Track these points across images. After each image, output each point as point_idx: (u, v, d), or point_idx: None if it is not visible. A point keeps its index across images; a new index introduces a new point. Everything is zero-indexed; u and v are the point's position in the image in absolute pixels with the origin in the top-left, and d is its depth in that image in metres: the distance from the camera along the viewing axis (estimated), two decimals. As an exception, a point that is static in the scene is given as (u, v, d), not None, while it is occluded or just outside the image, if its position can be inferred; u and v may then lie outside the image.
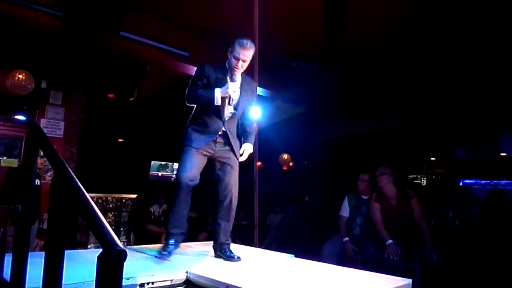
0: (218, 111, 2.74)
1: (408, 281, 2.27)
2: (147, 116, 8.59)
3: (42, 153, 1.94)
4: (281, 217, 8.23)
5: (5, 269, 1.99)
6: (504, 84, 5.85)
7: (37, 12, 3.99)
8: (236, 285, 2.05)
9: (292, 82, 6.45)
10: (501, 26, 4.73)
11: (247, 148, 2.91)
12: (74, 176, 1.54)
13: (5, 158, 5.87)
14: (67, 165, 1.62)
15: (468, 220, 5.73)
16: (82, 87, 6.53)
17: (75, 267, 2.14)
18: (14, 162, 5.86)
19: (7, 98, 5.79)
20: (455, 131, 7.38)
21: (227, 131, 2.80)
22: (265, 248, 3.90)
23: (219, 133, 2.76)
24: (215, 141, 2.76)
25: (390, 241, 3.93)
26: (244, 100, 2.83)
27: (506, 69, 5.47)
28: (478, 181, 10.81)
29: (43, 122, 6.10)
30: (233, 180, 2.84)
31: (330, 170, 8.35)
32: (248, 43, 2.71)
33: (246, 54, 2.71)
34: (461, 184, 10.07)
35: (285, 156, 9.74)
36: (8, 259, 1.92)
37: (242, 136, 2.97)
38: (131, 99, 7.11)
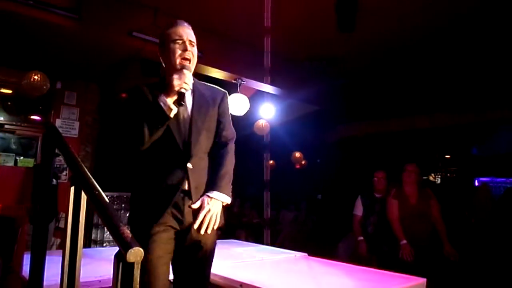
0: (170, 145, 1.73)
1: (423, 280, 2.25)
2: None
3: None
4: (293, 215, 8.22)
5: (24, 267, 2.03)
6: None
7: (52, 14, 4.05)
8: (250, 283, 2.06)
9: (305, 80, 6.43)
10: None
11: (204, 206, 1.71)
12: (90, 176, 1.56)
13: (22, 157, 5.97)
14: (83, 165, 1.65)
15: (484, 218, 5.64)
16: (96, 88, 6.62)
17: (92, 265, 2.18)
18: (30, 162, 5.95)
19: (23, 99, 5.90)
20: (469, 128, 7.28)
21: (191, 180, 1.74)
22: (278, 246, 3.90)
23: (182, 187, 1.72)
24: (178, 205, 1.72)
25: (405, 241, 3.88)
26: (202, 114, 1.82)
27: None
28: (493, 179, 10.65)
29: (58, 122, 6.20)
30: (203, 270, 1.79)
31: (342, 168, 8.31)
32: (181, 21, 1.87)
33: (188, 32, 1.84)
34: (476, 182, 9.93)
35: (298, 154, 9.71)
36: (26, 257, 1.96)
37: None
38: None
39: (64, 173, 5.96)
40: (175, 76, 1.70)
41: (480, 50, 5.30)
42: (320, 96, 6.90)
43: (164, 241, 1.67)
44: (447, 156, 10.85)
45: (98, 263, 2.21)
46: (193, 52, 1.82)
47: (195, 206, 1.71)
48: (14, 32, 4.67)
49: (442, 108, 6.68)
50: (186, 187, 1.73)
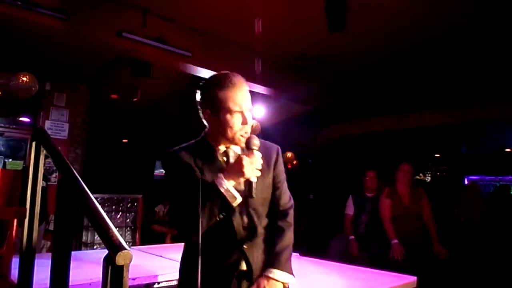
0: (225, 228, 1.49)
1: (413, 278, 2.27)
2: (151, 116, 8.62)
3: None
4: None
5: (12, 270, 2.01)
6: (506, 79, 5.84)
7: (40, 15, 4.01)
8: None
9: (296, 81, 6.44)
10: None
11: None
12: (79, 178, 1.55)
13: (10, 160, 5.90)
14: (72, 167, 1.63)
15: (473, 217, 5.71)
16: (85, 89, 6.56)
17: (82, 267, 2.16)
18: (20, 165, 5.88)
19: (11, 100, 5.83)
20: (459, 127, 7.36)
21: (249, 260, 1.52)
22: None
23: (239, 268, 1.51)
24: None
25: (396, 240, 3.91)
26: (259, 184, 1.50)
27: (507, 63, 5.46)
28: (483, 177, 10.78)
29: (47, 124, 6.13)
30: None
31: (334, 168, 8.34)
32: (235, 75, 1.54)
33: (247, 98, 1.54)
34: (466, 180, 10.05)
35: (289, 154, 9.72)
36: (15, 261, 1.94)
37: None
38: (134, 99, 7.13)
39: (54, 175, 5.90)
40: (247, 161, 1.42)
41: (469, 49, 5.36)
42: (312, 96, 6.92)
43: None
44: (437, 155, 10.96)
45: (89, 266, 2.20)
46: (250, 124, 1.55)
47: None
48: (1, 32, 4.61)
49: (431, 107, 6.74)
50: (244, 267, 1.51)
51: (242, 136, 1.51)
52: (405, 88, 6.61)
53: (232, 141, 1.53)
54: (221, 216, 1.43)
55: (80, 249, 5.68)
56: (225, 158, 1.55)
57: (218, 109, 1.50)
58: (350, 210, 4.63)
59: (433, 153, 10.80)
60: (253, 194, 1.45)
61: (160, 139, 9.62)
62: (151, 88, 6.74)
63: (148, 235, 6.76)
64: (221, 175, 1.43)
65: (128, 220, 6.44)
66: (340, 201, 4.96)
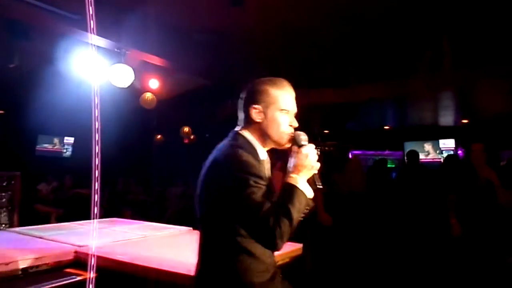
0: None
1: (299, 245, 2.43)
2: (33, 85, 7.77)
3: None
4: (181, 190, 8.18)
5: None
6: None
7: None
8: (130, 261, 1.99)
9: (196, 54, 6.29)
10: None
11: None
12: None
13: None
14: None
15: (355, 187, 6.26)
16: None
17: None
18: None
19: None
20: (344, 105, 7.93)
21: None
22: (165, 223, 3.84)
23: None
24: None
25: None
26: None
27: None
28: (364, 151, 11.91)
29: None
30: None
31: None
32: (287, 83, 1.61)
33: (295, 102, 1.60)
34: (350, 155, 10.97)
35: (186, 129, 9.62)
36: None
37: None
38: (11, 65, 6.35)
39: None
40: (313, 155, 1.46)
41: (348, 31, 5.71)
42: (210, 70, 6.85)
43: None
44: (326, 131, 11.76)
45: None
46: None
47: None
48: None
49: (319, 85, 7.13)
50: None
51: (286, 135, 1.53)
52: (297, 66, 6.87)
53: (275, 140, 1.55)
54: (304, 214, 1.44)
55: None
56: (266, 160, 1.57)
57: (268, 107, 1.52)
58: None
59: (323, 129, 11.56)
60: (319, 185, 1.48)
61: (44, 111, 8.77)
62: (33, 54, 6.06)
63: (30, 216, 6.19)
64: (295, 175, 1.44)
65: (3, 199, 5.78)
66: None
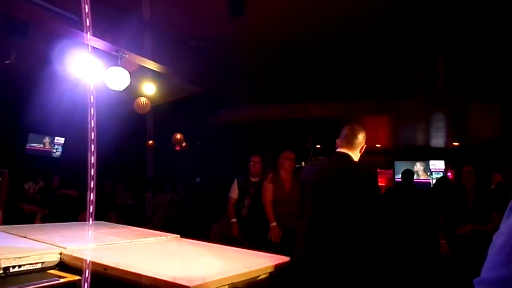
0: None
1: (287, 258, 2.40)
2: (26, 82, 7.70)
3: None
4: (169, 197, 8.12)
5: None
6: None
7: None
8: (115, 266, 1.96)
9: (191, 61, 6.30)
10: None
11: None
12: None
13: None
14: None
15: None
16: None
17: None
18: None
19: None
20: (338, 121, 7.94)
21: None
22: (152, 228, 3.79)
23: None
24: None
25: (274, 223, 4.10)
26: None
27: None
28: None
29: None
30: None
31: (222, 152, 8.43)
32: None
33: None
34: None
35: (179, 136, 9.58)
36: None
37: None
38: (7, 61, 6.30)
39: None
40: None
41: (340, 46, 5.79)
42: (205, 78, 6.85)
43: None
44: (318, 146, 11.77)
45: None
46: None
47: None
48: None
49: (316, 99, 7.16)
50: None
51: None
52: (294, 79, 6.91)
53: None
54: None
55: None
56: None
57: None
58: (234, 193, 4.71)
59: (315, 144, 11.57)
60: None
61: (35, 109, 8.69)
62: (30, 51, 6.03)
63: (14, 215, 6.08)
64: None
65: (-13, 197, 5.68)
66: (226, 185, 5.02)
